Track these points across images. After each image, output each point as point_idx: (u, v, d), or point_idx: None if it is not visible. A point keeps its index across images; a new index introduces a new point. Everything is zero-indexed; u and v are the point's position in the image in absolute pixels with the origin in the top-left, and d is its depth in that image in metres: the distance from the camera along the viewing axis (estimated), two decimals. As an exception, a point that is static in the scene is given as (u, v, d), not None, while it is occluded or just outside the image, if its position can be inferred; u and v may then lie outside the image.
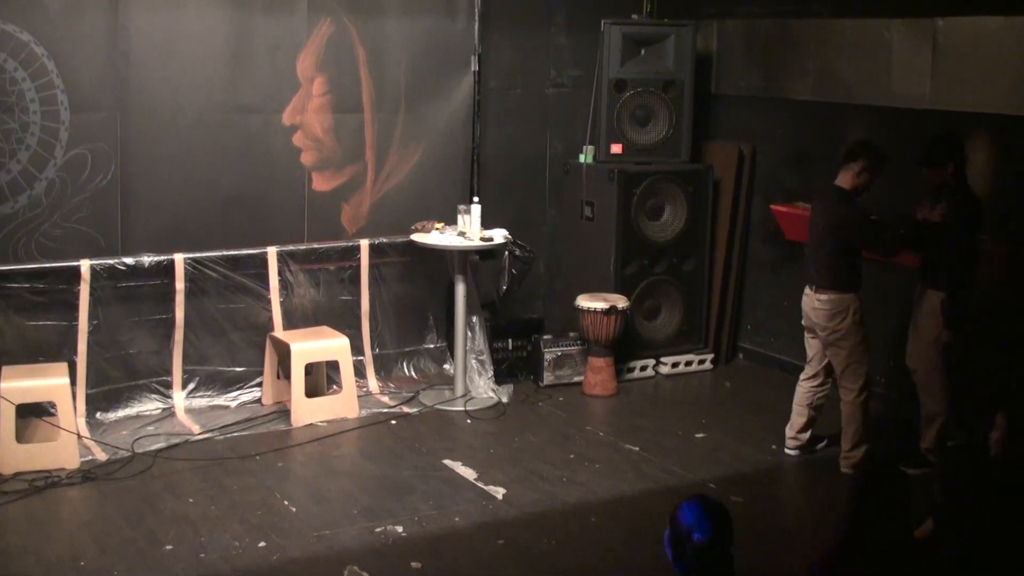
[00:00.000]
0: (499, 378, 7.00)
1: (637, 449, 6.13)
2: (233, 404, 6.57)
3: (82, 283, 6.06)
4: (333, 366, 6.61)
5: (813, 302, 5.74)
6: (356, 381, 6.63)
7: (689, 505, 3.19)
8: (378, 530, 5.07)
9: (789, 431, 6.06)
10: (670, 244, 7.40)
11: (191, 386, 6.49)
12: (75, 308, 6.08)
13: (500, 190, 7.47)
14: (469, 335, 6.84)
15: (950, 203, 5.52)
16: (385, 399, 6.81)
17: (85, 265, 6.06)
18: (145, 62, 6.24)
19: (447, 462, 5.88)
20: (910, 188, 5.87)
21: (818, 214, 5.85)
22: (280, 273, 6.66)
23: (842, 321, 5.67)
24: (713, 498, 3.25)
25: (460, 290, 6.72)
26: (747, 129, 7.66)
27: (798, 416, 6.02)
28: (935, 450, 5.73)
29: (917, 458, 5.76)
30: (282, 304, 6.69)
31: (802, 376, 6.03)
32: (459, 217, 6.78)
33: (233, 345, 6.62)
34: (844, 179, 5.68)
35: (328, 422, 6.38)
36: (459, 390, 6.80)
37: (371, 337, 7.01)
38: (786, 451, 6.06)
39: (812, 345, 5.93)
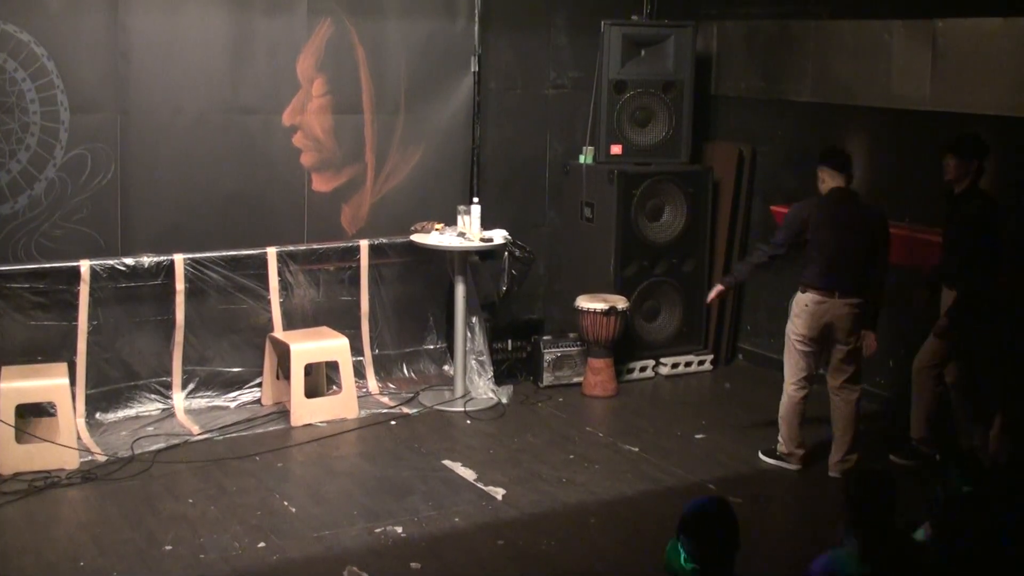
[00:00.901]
0: (499, 379, 7.00)
1: (636, 450, 6.13)
2: (233, 405, 6.57)
3: (82, 283, 6.06)
4: (333, 367, 6.61)
5: (843, 308, 5.55)
6: (356, 382, 6.63)
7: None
8: (377, 530, 5.07)
9: (798, 449, 5.82)
10: (670, 245, 7.40)
11: (191, 387, 6.49)
12: (75, 308, 6.07)
13: (500, 191, 7.47)
14: (469, 336, 6.83)
15: (963, 212, 5.52)
16: (385, 400, 6.81)
17: (85, 265, 6.06)
18: (145, 62, 6.24)
19: (447, 463, 5.88)
20: (913, 192, 5.87)
21: (853, 217, 5.60)
22: (280, 274, 6.65)
23: (863, 325, 5.64)
24: (717, 509, 3.29)
25: (460, 291, 6.71)
26: (747, 130, 7.66)
27: (800, 428, 5.82)
28: (927, 439, 5.77)
29: (908, 450, 5.83)
30: (282, 304, 6.68)
31: (798, 394, 5.76)
32: (459, 218, 6.78)
33: (233, 346, 6.62)
34: (848, 182, 5.60)
35: (327, 423, 6.38)
36: (459, 391, 6.80)
37: (371, 338, 7.00)
38: (791, 468, 5.85)
39: (810, 358, 5.73)
